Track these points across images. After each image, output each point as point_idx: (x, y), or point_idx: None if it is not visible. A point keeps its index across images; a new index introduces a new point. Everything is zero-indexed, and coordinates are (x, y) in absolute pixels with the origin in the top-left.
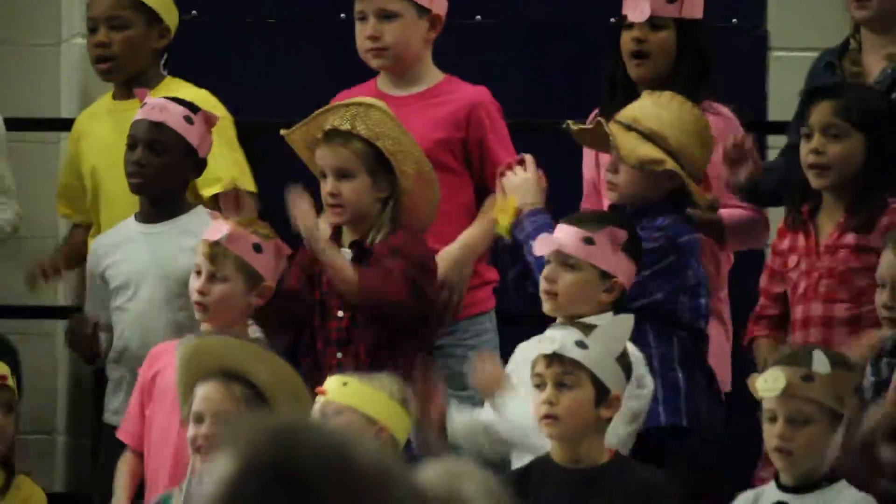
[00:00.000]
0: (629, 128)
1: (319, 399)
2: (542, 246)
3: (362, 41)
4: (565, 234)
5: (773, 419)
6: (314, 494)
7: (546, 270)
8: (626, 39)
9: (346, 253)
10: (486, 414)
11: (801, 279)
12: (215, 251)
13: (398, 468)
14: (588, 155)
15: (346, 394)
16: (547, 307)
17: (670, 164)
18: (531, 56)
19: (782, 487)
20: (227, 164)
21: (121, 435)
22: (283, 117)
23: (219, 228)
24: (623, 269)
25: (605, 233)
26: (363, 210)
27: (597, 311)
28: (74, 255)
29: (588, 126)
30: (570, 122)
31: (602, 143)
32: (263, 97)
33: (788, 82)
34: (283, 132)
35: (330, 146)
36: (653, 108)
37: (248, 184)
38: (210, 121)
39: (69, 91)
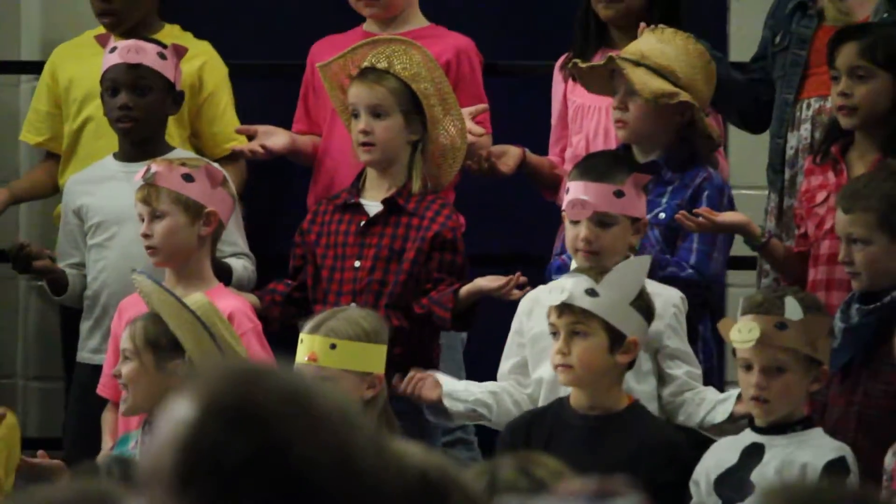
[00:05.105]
0: (637, 64)
1: (309, 365)
2: (576, 211)
3: None
4: (595, 194)
5: (749, 367)
6: (275, 437)
7: (584, 232)
8: None
9: (377, 207)
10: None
11: (828, 215)
12: (147, 192)
13: (359, 413)
14: (557, 89)
15: (338, 358)
16: (585, 263)
17: (684, 96)
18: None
19: (756, 430)
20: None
21: (101, 391)
22: (271, 60)
23: (145, 170)
24: (644, 207)
25: (630, 181)
26: (394, 151)
27: (625, 253)
28: (40, 189)
29: (599, 63)
30: (577, 60)
31: (606, 84)
32: (248, 41)
33: (749, 23)
34: (318, 65)
35: (365, 83)
36: (658, 44)
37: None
38: (180, 52)
39: (29, 34)
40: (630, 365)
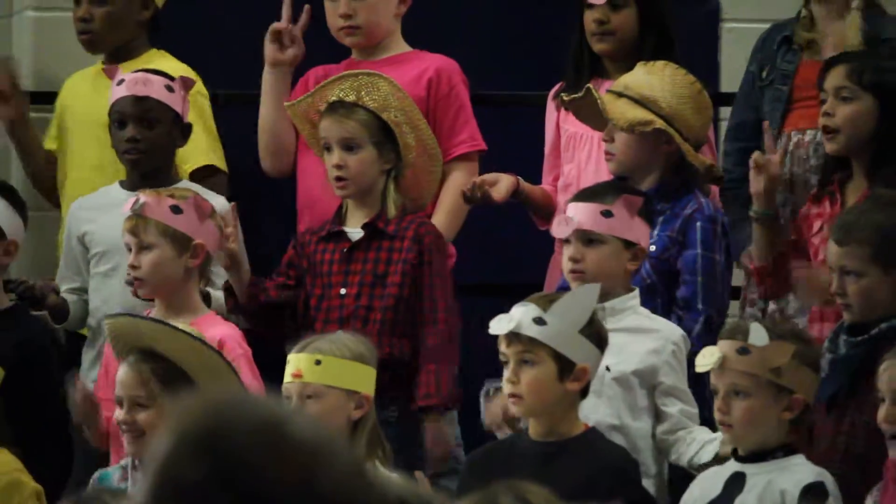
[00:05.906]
0: (620, 95)
1: (294, 381)
2: (560, 228)
3: (334, 20)
4: (582, 212)
5: (717, 392)
6: (247, 467)
7: (570, 251)
8: (589, 20)
9: (359, 233)
10: None
11: (821, 246)
12: (135, 223)
13: (336, 441)
14: (550, 118)
15: (322, 374)
16: (575, 287)
17: (659, 123)
18: (495, 28)
19: (738, 458)
20: (200, 146)
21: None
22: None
23: (133, 201)
24: (642, 234)
25: (621, 202)
26: (368, 182)
27: (625, 280)
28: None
29: (578, 95)
30: (563, 94)
31: (596, 117)
32: (238, 70)
33: (740, 54)
34: (286, 104)
35: (335, 117)
36: (644, 76)
37: (220, 164)
38: (187, 85)
39: (21, 63)
40: (584, 392)
